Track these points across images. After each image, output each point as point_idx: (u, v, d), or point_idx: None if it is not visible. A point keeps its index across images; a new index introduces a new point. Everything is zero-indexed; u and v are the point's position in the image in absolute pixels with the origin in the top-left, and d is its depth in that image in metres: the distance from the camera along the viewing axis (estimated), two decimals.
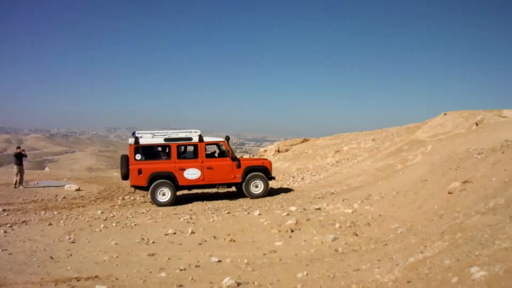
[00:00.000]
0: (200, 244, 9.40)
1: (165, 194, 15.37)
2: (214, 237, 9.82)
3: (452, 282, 5.27)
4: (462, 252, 5.97)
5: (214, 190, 17.52)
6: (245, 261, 7.95)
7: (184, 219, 12.17)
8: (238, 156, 17.19)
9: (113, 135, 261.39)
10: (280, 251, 8.55)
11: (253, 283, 6.73)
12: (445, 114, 20.39)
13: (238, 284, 6.62)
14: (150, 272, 7.58)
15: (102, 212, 14.00)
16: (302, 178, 20.16)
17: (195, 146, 15.90)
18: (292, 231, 9.84)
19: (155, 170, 15.34)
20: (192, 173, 15.61)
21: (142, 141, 15.37)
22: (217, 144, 16.40)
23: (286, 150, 30.66)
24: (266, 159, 17.52)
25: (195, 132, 15.88)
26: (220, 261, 8.03)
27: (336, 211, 11.29)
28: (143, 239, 10.07)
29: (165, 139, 15.58)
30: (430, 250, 6.65)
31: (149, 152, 15.70)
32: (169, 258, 8.37)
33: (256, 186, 16.08)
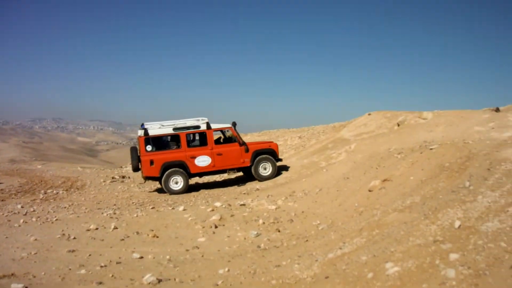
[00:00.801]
0: (123, 240, 9.23)
1: (178, 183, 15.63)
2: (137, 233, 9.66)
3: (368, 277, 5.44)
4: (379, 248, 6.17)
5: (224, 176, 17.88)
6: (168, 257, 7.87)
7: (107, 214, 11.91)
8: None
9: (38, 126, 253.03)
10: (203, 247, 8.53)
11: (174, 279, 6.68)
12: (369, 114, 20.89)
13: (159, 280, 6.54)
14: (70, 269, 7.36)
15: (22, 207, 13.57)
16: (228, 174, 20.15)
17: (204, 133, 16.12)
18: (216, 227, 9.83)
19: (167, 160, 15.54)
20: (203, 160, 15.91)
21: (152, 132, 15.50)
22: (224, 130, 16.66)
23: None
24: (272, 142, 17.73)
25: (202, 120, 16.04)
26: (142, 257, 7.91)
27: (260, 207, 11.36)
28: (63, 234, 9.78)
29: (174, 129, 15.72)
30: (349, 246, 6.82)
31: (159, 142, 15.94)
32: (89, 255, 8.16)
33: (265, 169, 16.36)
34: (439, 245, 5.59)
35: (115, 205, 13.80)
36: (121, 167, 28.52)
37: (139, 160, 15.74)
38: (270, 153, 16.57)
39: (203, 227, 9.86)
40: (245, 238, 8.97)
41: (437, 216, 6.56)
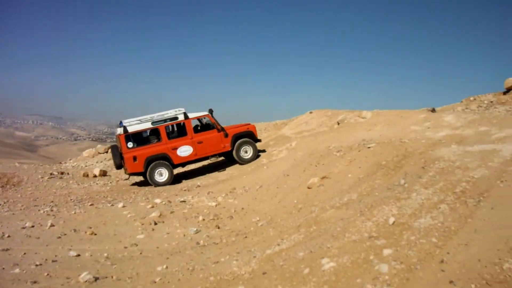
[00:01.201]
0: (59, 237, 8.94)
1: (162, 174, 15.71)
2: (75, 230, 9.39)
3: (304, 273, 5.52)
4: (316, 244, 6.27)
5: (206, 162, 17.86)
6: (105, 254, 7.70)
7: (44, 211, 11.51)
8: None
9: None
10: (142, 244, 8.42)
11: (112, 277, 6.55)
12: (310, 113, 21.17)
13: (96, 278, 6.39)
14: (3, 268, 7.04)
15: None
16: None
17: (182, 124, 16.23)
18: (155, 223, 9.73)
19: (150, 154, 15.62)
20: (184, 151, 16.07)
21: (131, 129, 15.50)
22: (202, 118, 16.74)
23: None
24: (250, 124, 17.70)
25: (179, 110, 16.09)
26: (79, 255, 7.66)
27: (201, 204, 11.33)
28: None
29: (152, 123, 15.72)
30: (287, 243, 6.91)
31: (140, 138, 15.94)
32: (24, 253, 7.84)
33: (246, 152, 16.57)
34: (373, 241, 5.74)
35: (52, 202, 13.40)
36: (60, 163, 27.77)
37: (121, 158, 15.77)
38: (249, 135, 16.86)
39: (142, 224, 9.74)
40: (184, 235, 8.93)
41: (373, 213, 6.72)
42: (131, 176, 16.93)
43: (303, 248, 6.33)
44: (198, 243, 8.30)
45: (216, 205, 11.02)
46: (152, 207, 11.23)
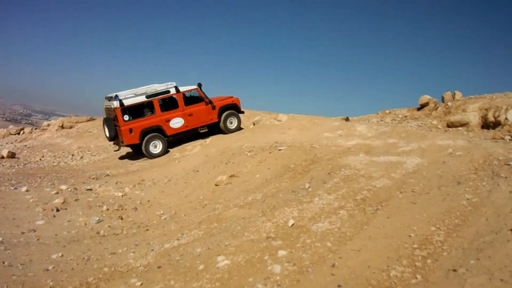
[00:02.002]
0: None
1: (157, 146, 16.28)
2: None
3: (198, 269, 5.47)
4: (214, 242, 6.24)
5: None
6: (0, 239, 7.42)
7: None
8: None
9: None
10: (40, 231, 8.06)
11: (3, 263, 6.22)
12: None
13: None
14: None
15: None
16: (82, 157, 19.47)
17: (174, 97, 16.95)
18: (57, 210, 9.39)
19: (145, 126, 16.18)
20: (176, 122, 16.78)
21: (127, 102, 15.96)
22: (191, 91, 17.43)
23: (71, 127, 29.43)
24: (233, 97, 18.52)
25: (170, 84, 16.84)
26: None
27: (107, 193, 11.05)
28: None
29: (147, 96, 16.28)
30: (186, 238, 6.83)
31: (135, 111, 16.29)
32: None
33: (231, 123, 17.38)
34: (270, 242, 5.77)
35: None
36: None
37: (116, 130, 16.38)
38: (234, 107, 17.75)
39: (44, 210, 9.35)
40: (85, 224, 8.65)
41: (274, 214, 6.77)
42: (121, 148, 17.70)
43: (201, 244, 6.29)
44: (98, 233, 8.07)
45: (122, 196, 10.78)
46: (57, 193, 10.84)
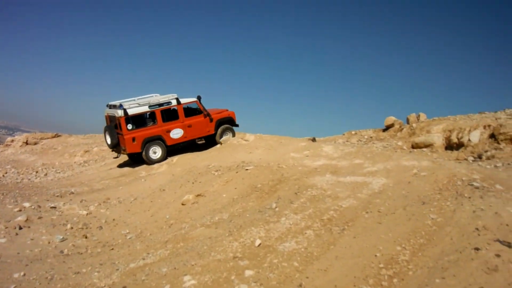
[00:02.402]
0: None
1: (156, 152, 16.76)
2: None
3: None
4: (180, 261, 6.18)
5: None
6: None
7: None
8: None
9: None
10: (2, 249, 7.84)
11: None
12: None
13: None
14: None
15: None
16: (46, 174, 19.22)
17: (175, 108, 17.42)
18: (20, 228, 9.20)
19: (147, 136, 16.63)
20: (176, 133, 17.22)
21: (131, 112, 16.31)
22: (191, 104, 17.89)
23: (35, 143, 29.07)
24: (228, 110, 19.13)
25: (172, 96, 17.25)
26: None
27: (71, 211, 10.88)
28: None
29: (149, 106, 16.78)
30: (152, 257, 6.76)
31: (138, 120, 16.86)
32: None
33: (226, 135, 17.92)
34: (237, 262, 5.75)
35: None
36: None
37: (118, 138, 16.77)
38: (229, 121, 18.44)
39: (6, 228, 9.15)
40: (49, 242, 8.49)
41: (241, 234, 6.76)
42: (119, 156, 18.15)
43: (167, 264, 6.23)
44: (62, 252, 7.92)
45: (87, 214, 10.62)
46: (20, 210, 10.63)
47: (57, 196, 13.19)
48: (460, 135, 13.51)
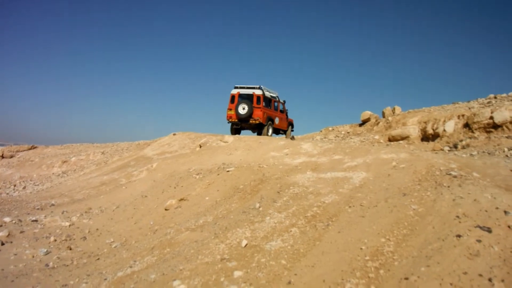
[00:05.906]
0: None
1: (269, 130, 22.03)
2: None
3: None
4: (168, 267, 6.19)
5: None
6: None
7: None
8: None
9: None
10: None
11: None
12: (174, 134, 21.29)
13: None
14: None
15: None
16: (24, 187, 19.06)
17: (277, 102, 23.74)
18: (2, 243, 9.11)
19: (269, 114, 22.11)
20: (277, 120, 23.12)
21: (266, 94, 22.11)
22: (275, 97, 23.76)
23: (11, 156, 28.79)
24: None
25: (276, 92, 23.86)
26: None
27: (54, 223, 10.81)
28: None
29: (271, 96, 22.78)
30: (139, 265, 6.75)
31: (266, 101, 22.19)
32: None
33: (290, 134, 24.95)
34: (225, 263, 5.78)
35: None
36: None
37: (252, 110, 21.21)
38: (292, 124, 25.54)
39: None
40: (33, 256, 8.43)
41: (227, 235, 6.79)
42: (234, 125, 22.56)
43: (155, 270, 6.23)
44: (47, 265, 7.86)
45: (70, 225, 10.56)
46: (1, 226, 10.55)
47: (38, 209, 13.07)
48: (435, 126, 13.72)
